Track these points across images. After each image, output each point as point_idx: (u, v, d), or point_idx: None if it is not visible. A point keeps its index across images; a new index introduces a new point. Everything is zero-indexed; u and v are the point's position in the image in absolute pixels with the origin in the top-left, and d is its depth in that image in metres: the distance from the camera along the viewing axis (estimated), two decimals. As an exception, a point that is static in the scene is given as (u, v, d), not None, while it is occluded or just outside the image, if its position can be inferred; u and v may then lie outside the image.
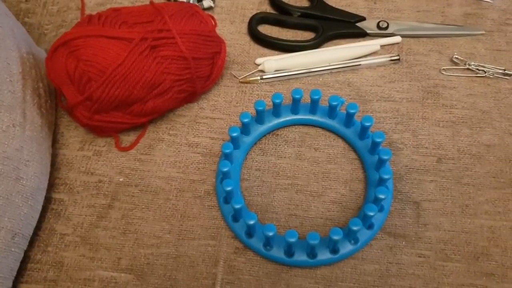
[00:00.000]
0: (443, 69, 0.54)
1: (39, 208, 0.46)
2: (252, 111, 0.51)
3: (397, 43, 0.56)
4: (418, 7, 0.58)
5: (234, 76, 0.55)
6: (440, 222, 0.46)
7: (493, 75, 0.53)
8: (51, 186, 0.49)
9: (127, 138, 0.52)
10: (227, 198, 0.45)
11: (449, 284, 0.43)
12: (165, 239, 0.46)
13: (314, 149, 0.50)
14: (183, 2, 0.58)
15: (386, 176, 0.43)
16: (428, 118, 0.51)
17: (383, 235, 0.45)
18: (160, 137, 0.51)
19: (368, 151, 0.48)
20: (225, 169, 0.44)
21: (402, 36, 0.56)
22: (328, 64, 0.54)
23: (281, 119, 0.50)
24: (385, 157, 0.44)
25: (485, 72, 0.53)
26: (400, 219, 0.46)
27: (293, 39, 0.57)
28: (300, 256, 0.43)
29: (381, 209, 0.45)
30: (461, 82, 0.53)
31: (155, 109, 0.49)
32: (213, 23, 0.51)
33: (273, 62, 0.54)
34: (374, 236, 0.45)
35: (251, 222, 0.41)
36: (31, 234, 0.45)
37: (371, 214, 0.41)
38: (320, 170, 0.49)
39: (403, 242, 0.45)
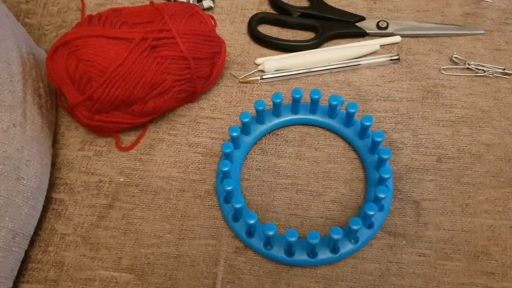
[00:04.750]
0: (443, 68, 0.54)
1: (40, 208, 0.47)
2: (252, 111, 0.51)
3: (397, 43, 0.56)
4: (418, 7, 0.58)
5: (234, 76, 0.55)
6: (440, 221, 0.46)
7: (492, 74, 0.53)
8: (52, 186, 0.49)
9: (128, 138, 0.52)
10: (228, 198, 0.45)
11: (449, 283, 0.43)
12: (166, 238, 0.46)
13: (314, 148, 0.50)
14: (183, 2, 0.58)
15: (386, 176, 0.43)
16: (428, 118, 0.51)
17: (383, 234, 0.45)
18: (160, 137, 0.52)
19: (368, 150, 0.48)
20: (225, 169, 0.44)
21: (402, 35, 0.56)
22: (328, 64, 0.54)
23: (281, 119, 0.50)
24: (385, 157, 0.44)
25: (485, 72, 0.53)
26: (400, 218, 0.46)
27: (293, 39, 0.57)
28: (301, 256, 0.43)
29: (381, 209, 0.45)
30: (460, 81, 0.53)
31: (155, 109, 0.49)
32: (213, 23, 0.51)
33: (273, 62, 0.54)
34: (374, 235, 0.45)
35: (252, 222, 0.41)
36: (31, 234, 0.45)
37: (371, 213, 0.41)
38: (320, 169, 0.49)
39: (403, 241, 0.45)
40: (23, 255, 0.45)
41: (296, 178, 0.49)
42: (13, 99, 0.45)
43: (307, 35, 0.57)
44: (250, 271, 0.45)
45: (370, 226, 0.44)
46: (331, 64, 0.54)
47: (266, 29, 0.58)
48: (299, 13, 0.58)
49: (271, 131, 0.51)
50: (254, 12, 0.58)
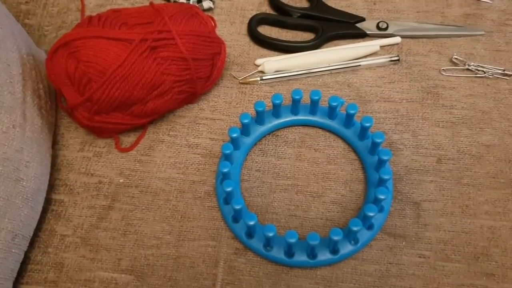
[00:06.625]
0: (443, 69, 0.54)
1: (39, 209, 0.46)
2: (252, 112, 0.51)
3: (397, 44, 0.56)
4: (418, 8, 0.58)
5: (234, 77, 0.55)
6: (440, 222, 0.46)
7: (492, 75, 0.53)
8: (51, 187, 0.49)
9: (127, 139, 0.52)
10: (227, 199, 0.45)
11: (449, 284, 0.43)
12: (165, 240, 0.46)
13: (314, 149, 0.50)
14: (183, 3, 0.58)
15: (386, 177, 0.43)
16: (428, 119, 0.51)
17: (383, 235, 0.45)
18: (160, 138, 0.52)
19: (368, 151, 0.48)
20: (225, 170, 0.44)
21: (402, 36, 0.56)
22: (328, 65, 0.54)
23: (281, 120, 0.50)
24: (385, 158, 0.44)
25: (485, 73, 0.53)
26: (400, 219, 0.46)
27: (293, 39, 0.57)
28: (300, 257, 0.43)
29: (381, 210, 0.45)
30: (460, 82, 0.53)
31: (155, 110, 0.49)
32: (213, 24, 0.51)
33: (273, 63, 0.54)
34: (374, 236, 0.45)
35: (251, 223, 0.41)
36: (31, 235, 0.45)
37: (371, 214, 0.41)
38: (320, 170, 0.49)
39: (403, 243, 0.45)
40: (22, 256, 0.44)
41: (296, 179, 0.49)
42: (12, 100, 0.45)
43: (307, 36, 0.57)
44: (250, 272, 0.45)
45: (370, 227, 0.44)
46: (331, 65, 0.54)
47: (266, 30, 0.58)
48: (299, 14, 0.58)
49: (271, 132, 0.51)
50: (254, 13, 0.58)
